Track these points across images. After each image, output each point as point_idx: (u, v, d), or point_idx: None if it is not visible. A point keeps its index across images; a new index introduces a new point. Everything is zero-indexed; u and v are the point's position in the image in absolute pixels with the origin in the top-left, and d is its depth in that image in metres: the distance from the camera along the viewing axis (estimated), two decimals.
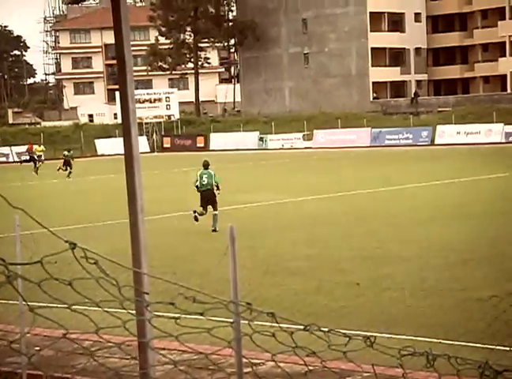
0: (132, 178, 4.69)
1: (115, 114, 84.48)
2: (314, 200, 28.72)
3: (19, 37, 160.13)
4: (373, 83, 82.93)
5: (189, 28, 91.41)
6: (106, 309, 2.92)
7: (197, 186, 22.82)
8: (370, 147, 63.37)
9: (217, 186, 22.68)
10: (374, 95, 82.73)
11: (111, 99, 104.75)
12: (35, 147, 55.95)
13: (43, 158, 55.13)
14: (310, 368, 3.31)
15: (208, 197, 22.51)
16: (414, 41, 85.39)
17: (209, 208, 22.54)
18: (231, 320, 3.26)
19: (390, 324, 11.39)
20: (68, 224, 23.33)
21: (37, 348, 9.41)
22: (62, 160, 47.57)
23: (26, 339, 10.24)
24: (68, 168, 46.07)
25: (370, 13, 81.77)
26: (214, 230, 21.87)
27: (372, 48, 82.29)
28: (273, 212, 26.16)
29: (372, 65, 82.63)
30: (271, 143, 70.31)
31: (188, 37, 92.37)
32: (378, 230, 21.16)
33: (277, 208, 27.17)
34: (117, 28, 4.65)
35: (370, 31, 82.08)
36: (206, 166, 23.21)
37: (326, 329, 3.01)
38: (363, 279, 14.74)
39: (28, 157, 56.13)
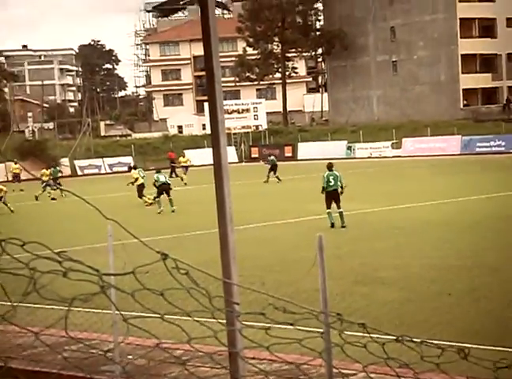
0: (221, 187, 4.71)
1: (204, 125, 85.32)
2: (402, 209, 28.40)
3: (111, 51, 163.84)
4: (463, 90, 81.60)
5: (276, 39, 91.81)
6: (197, 319, 2.93)
7: (323, 187, 24.54)
8: (460, 155, 62.34)
9: (341, 186, 24.59)
10: (465, 102, 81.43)
11: (199, 110, 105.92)
12: (182, 159, 56.19)
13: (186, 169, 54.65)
14: None
15: (333, 197, 24.38)
16: (506, 47, 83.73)
17: (333, 207, 24.30)
18: (321, 331, 3.23)
19: (484, 335, 11.15)
20: (157, 234, 23.65)
21: (130, 357, 9.54)
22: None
23: (119, 348, 10.40)
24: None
25: (460, 19, 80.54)
26: (343, 227, 23.93)
27: (462, 55, 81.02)
28: (361, 221, 25.96)
29: (462, 72, 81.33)
30: (359, 152, 69.87)
31: (275, 47, 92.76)
32: (470, 239, 20.77)
33: (365, 216, 26.96)
34: (206, 40, 4.69)
35: (460, 37, 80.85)
36: (330, 167, 24.91)
37: (419, 340, 2.96)
38: (454, 289, 14.48)
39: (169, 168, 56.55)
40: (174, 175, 54.14)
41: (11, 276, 2.31)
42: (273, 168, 47.35)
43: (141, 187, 36.48)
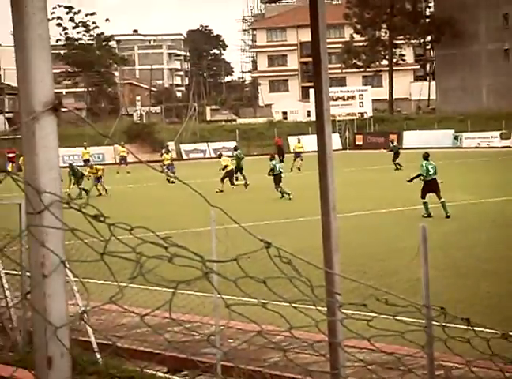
0: (325, 175, 4.69)
1: (309, 112, 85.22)
2: (510, 200, 27.70)
3: (218, 36, 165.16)
4: None
5: (384, 25, 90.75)
6: (298, 307, 2.94)
7: (423, 176, 24.59)
8: None
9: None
10: None
11: (304, 96, 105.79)
12: (293, 144, 56.25)
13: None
14: (507, 374, 3.17)
15: (433, 186, 24.24)
16: None
17: (432, 196, 24.15)
18: (423, 324, 3.19)
19: None
20: (258, 220, 23.78)
21: (231, 341, 9.65)
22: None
23: (220, 331, 10.52)
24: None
25: None
26: (447, 217, 23.57)
27: None
28: (465, 211, 25.46)
29: None
30: (466, 141, 68.50)
31: (383, 34, 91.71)
32: None
33: (470, 207, 26.42)
34: (313, 26, 4.67)
35: None
36: (427, 157, 25.11)
37: None
38: None
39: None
40: (281, 161, 54.39)
41: (117, 258, 2.36)
42: (397, 155, 46.96)
43: (230, 173, 37.11)
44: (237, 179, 39.22)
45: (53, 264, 2.11)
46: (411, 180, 25.38)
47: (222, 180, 36.84)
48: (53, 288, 2.11)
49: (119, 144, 55.82)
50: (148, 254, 2.28)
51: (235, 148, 45.00)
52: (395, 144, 47.78)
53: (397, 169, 45.10)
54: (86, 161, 51.22)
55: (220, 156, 40.37)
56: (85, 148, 55.04)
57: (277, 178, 33.17)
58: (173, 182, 40.62)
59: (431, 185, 24.30)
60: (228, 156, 43.57)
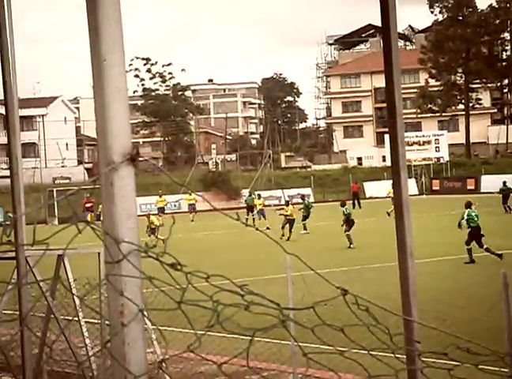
0: (402, 221, 4.65)
1: (384, 157, 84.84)
2: None
3: (292, 84, 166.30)
4: None
5: (460, 70, 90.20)
6: (375, 355, 2.89)
7: (469, 224, 25.64)
8: None
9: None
10: None
11: (379, 142, 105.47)
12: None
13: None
14: None
15: (477, 233, 25.25)
16: None
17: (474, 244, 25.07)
18: (507, 373, 3.11)
19: None
20: (335, 266, 23.64)
21: None
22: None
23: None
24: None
25: None
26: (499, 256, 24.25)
27: None
28: None
29: None
30: None
31: (459, 78, 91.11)
32: None
33: None
34: (387, 72, 4.67)
35: None
36: (469, 205, 26.29)
37: None
38: None
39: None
40: (358, 206, 54.38)
41: (195, 307, 2.37)
42: (506, 197, 46.34)
43: (291, 221, 37.05)
44: (305, 228, 39.26)
45: (131, 312, 2.13)
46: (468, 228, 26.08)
47: (282, 227, 36.94)
48: (132, 337, 2.13)
49: (188, 193, 55.80)
50: (225, 302, 2.28)
51: (302, 198, 44.71)
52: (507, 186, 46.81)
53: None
54: (160, 209, 51.76)
55: (287, 204, 40.28)
56: (160, 197, 55.49)
57: (348, 223, 33.10)
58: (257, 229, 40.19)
59: (475, 232, 25.31)
60: (295, 204, 43.26)
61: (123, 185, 2.19)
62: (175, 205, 64.13)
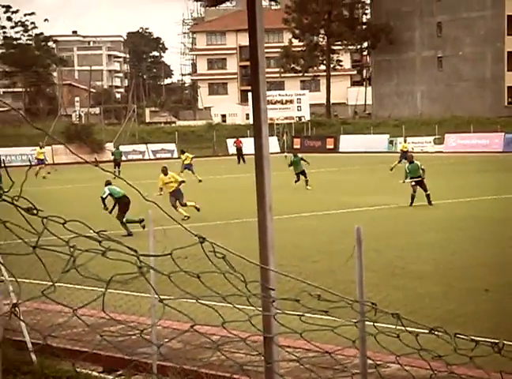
0: (262, 177, 4.74)
1: (247, 115, 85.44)
2: (442, 204, 28.20)
3: (158, 39, 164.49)
4: (508, 87, 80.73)
5: (322, 31, 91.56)
6: (232, 304, 2.97)
7: (407, 176, 28.81)
8: (503, 152, 61.63)
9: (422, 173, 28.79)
10: (510, 99, 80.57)
11: (244, 99, 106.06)
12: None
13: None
14: (436, 372, 3.26)
15: (419, 184, 28.26)
16: None
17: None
18: (356, 320, 3.26)
19: None
20: (197, 221, 23.75)
21: (167, 340, 9.65)
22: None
23: (156, 331, 10.51)
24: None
25: (508, 16, 79.59)
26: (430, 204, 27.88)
27: (509, 52, 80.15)
28: (402, 215, 25.86)
29: (508, 70, 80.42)
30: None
31: (321, 40, 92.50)
32: (509, 235, 20.60)
33: (406, 211, 26.83)
34: (251, 31, 4.72)
35: (507, 34, 79.92)
36: (411, 160, 29.48)
37: (452, 333, 2.97)
38: (492, 286, 14.39)
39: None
40: (243, 162, 55.07)
41: (52, 255, 2.37)
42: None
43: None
44: (307, 183, 36.28)
45: None
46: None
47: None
48: None
49: (39, 146, 53.52)
50: (83, 249, 2.29)
51: (295, 155, 38.33)
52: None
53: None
54: (40, 160, 50.50)
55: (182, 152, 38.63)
56: (41, 148, 53.25)
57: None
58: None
59: (416, 183, 28.25)
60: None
61: None
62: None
